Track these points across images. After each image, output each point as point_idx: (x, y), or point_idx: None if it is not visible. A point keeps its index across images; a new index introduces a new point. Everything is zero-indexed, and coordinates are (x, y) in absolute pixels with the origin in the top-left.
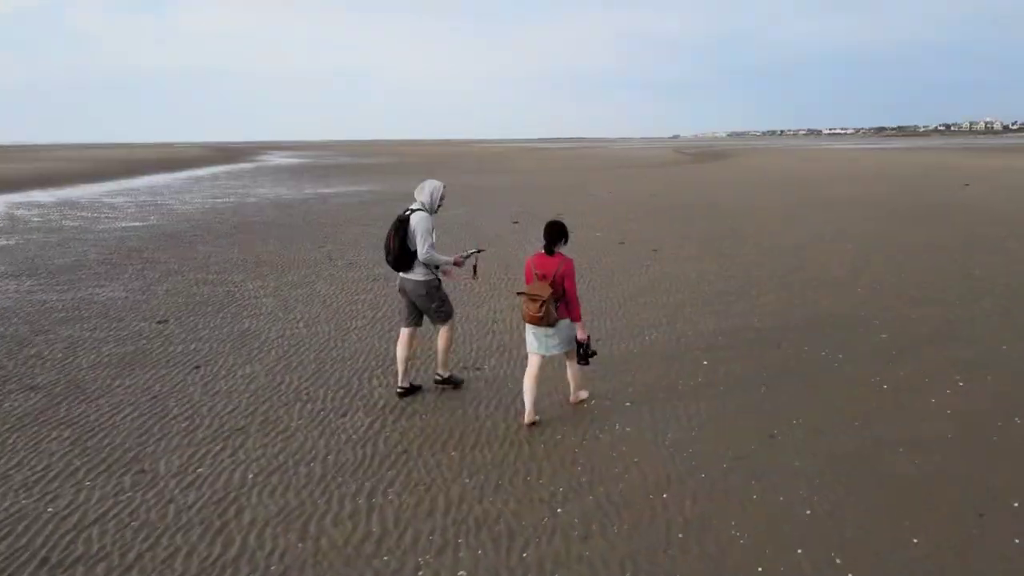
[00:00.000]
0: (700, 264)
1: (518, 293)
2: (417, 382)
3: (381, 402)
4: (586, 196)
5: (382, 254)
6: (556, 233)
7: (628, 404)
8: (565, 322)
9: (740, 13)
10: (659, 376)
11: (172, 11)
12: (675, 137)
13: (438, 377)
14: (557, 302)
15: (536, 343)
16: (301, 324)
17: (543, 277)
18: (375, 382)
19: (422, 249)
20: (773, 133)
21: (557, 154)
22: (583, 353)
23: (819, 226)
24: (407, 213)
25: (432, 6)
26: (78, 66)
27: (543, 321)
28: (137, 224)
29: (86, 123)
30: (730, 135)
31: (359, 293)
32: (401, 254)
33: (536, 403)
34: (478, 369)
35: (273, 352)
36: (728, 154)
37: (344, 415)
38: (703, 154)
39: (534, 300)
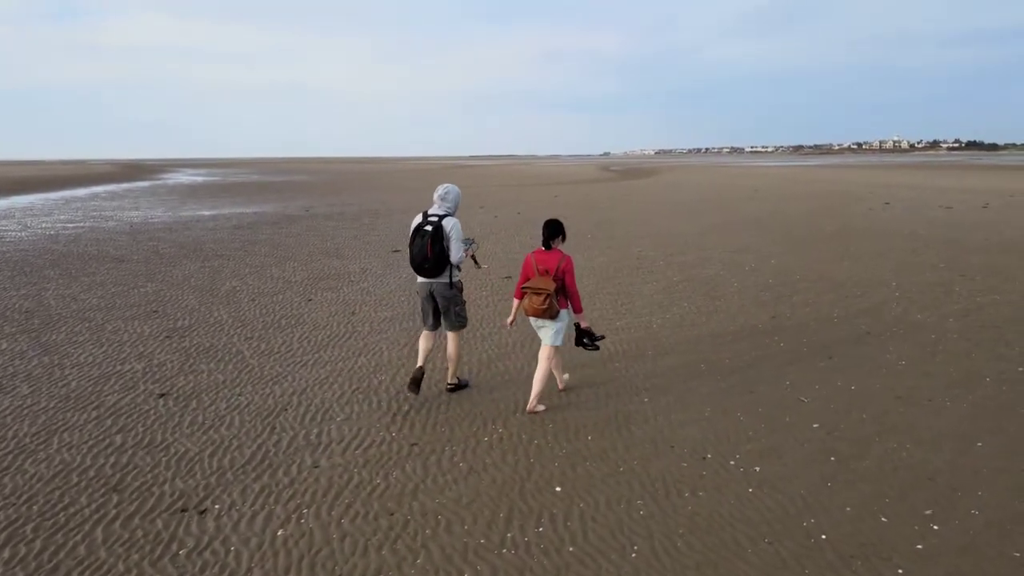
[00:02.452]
0: (592, 309)
1: (523, 287)
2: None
3: None
4: (491, 218)
5: (199, 298)
6: (553, 230)
7: None
8: (565, 312)
9: (668, 35)
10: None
11: (93, 22)
12: (605, 154)
13: (450, 385)
14: (558, 295)
15: (541, 334)
16: None
17: (545, 272)
18: None
19: (458, 252)
20: (698, 151)
21: (482, 171)
22: (589, 340)
23: (737, 253)
24: (435, 219)
25: (362, 26)
26: None
27: (547, 313)
28: None
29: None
30: (658, 152)
31: (119, 363)
32: (440, 259)
33: (564, 369)
34: (202, 512)
35: None
36: (653, 171)
37: None
38: (628, 171)
39: (538, 294)
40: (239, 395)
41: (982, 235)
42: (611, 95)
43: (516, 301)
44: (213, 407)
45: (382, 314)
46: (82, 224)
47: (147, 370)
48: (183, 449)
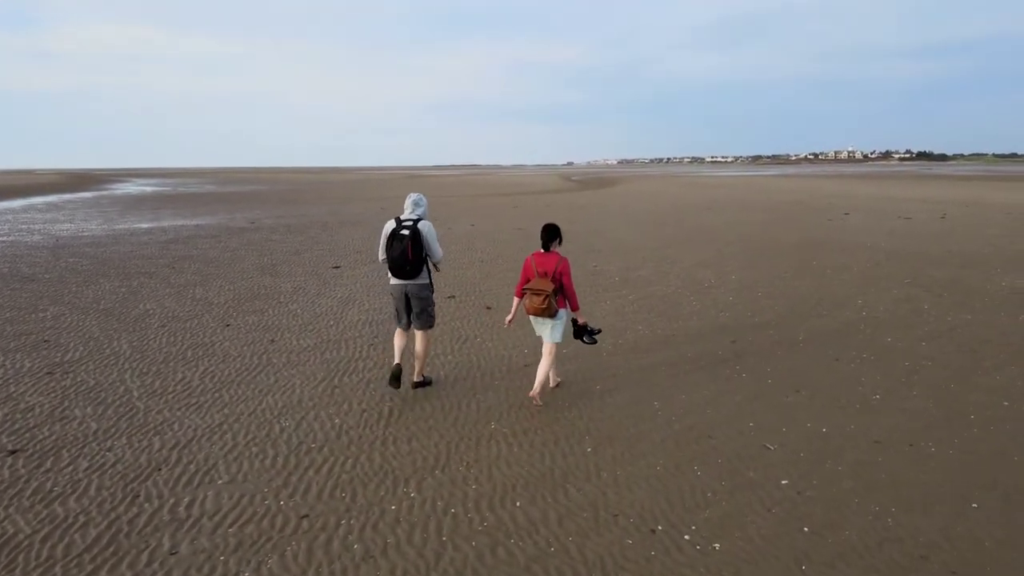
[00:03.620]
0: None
1: (524, 288)
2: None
3: None
4: (444, 231)
5: (103, 324)
6: (551, 233)
7: None
8: (563, 311)
9: (631, 47)
10: None
11: (48, 29)
12: (569, 164)
13: (416, 382)
14: (556, 295)
15: (542, 332)
16: None
17: (544, 274)
18: None
19: (439, 251)
20: (660, 161)
21: (442, 181)
22: (587, 335)
23: (696, 268)
24: (410, 223)
25: (325, 35)
26: None
27: (546, 312)
28: None
29: None
30: (620, 162)
31: None
32: (419, 261)
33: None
34: None
35: None
36: (614, 181)
37: None
38: (589, 181)
39: (538, 294)
40: (108, 450)
41: (943, 247)
42: (575, 106)
43: (516, 300)
44: (71, 468)
45: (304, 342)
46: (4, 239)
47: (7, 418)
48: (11, 530)
